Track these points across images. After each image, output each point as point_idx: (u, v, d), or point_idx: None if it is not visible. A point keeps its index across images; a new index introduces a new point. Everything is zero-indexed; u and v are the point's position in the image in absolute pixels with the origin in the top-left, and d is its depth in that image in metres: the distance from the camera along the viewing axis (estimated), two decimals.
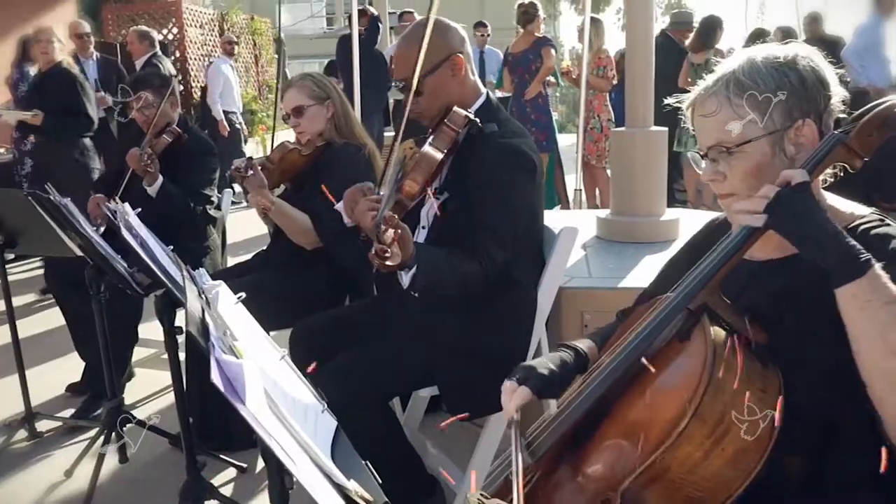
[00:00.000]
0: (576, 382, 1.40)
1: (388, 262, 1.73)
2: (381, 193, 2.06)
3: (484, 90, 2.37)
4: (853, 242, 1.18)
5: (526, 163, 2.21)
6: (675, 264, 1.61)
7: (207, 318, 1.10)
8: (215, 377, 0.88)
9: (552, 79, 7.12)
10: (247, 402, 0.97)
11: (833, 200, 1.37)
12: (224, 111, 9.39)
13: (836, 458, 1.27)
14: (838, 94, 1.36)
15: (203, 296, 1.26)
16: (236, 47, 10.32)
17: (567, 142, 9.35)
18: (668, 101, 1.48)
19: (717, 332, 1.25)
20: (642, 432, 1.21)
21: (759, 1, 23.11)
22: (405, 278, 1.95)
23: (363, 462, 1.32)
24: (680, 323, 1.29)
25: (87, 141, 5.52)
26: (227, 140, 9.45)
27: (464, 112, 2.16)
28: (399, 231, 1.74)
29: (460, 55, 2.28)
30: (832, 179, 1.37)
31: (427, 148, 2.08)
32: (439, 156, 2.08)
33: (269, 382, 1.23)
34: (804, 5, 9.02)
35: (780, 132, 1.32)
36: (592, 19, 6.07)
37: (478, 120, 2.16)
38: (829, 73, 1.35)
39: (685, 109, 1.43)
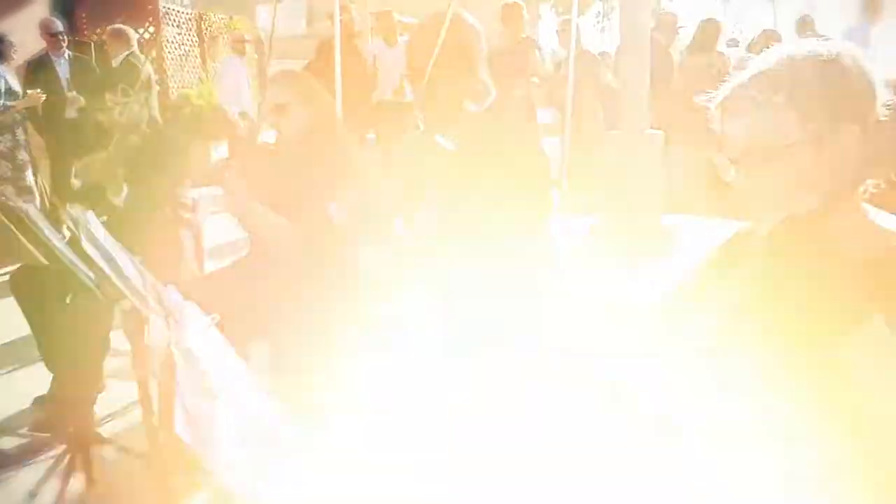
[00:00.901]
0: None
1: None
2: None
3: (494, 91, 2.26)
4: None
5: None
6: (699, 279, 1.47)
7: (175, 354, 0.96)
8: (181, 430, 0.74)
9: (536, 80, 6.99)
10: (218, 452, 0.83)
11: (875, 215, 1.25)
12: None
13: None
14: (882, 96, 1.23)
15: (170, 319, 1.11)
16: (217, 46, 10.17)
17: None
18: (697, 99, 1.35)
19: None
20: None
21: (738, 6, 23.18)
22: None
23: None
24: None
25: None
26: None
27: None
28: None
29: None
30: (874, 190, 1.24)
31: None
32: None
33: (245, 418, 1.09)
34: (786, 10, 9.03)
35: (822, 137, 1.20)
36: (569, 22, 5.95)
37: None
38: (875, 73, 1.23)
39: (713, 109, 1.30)
